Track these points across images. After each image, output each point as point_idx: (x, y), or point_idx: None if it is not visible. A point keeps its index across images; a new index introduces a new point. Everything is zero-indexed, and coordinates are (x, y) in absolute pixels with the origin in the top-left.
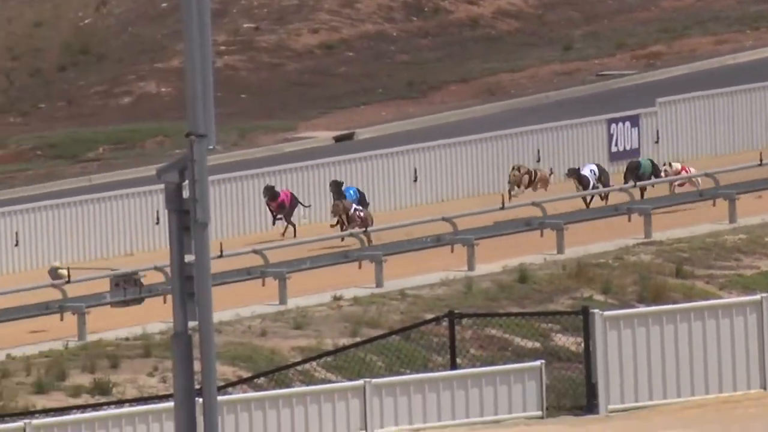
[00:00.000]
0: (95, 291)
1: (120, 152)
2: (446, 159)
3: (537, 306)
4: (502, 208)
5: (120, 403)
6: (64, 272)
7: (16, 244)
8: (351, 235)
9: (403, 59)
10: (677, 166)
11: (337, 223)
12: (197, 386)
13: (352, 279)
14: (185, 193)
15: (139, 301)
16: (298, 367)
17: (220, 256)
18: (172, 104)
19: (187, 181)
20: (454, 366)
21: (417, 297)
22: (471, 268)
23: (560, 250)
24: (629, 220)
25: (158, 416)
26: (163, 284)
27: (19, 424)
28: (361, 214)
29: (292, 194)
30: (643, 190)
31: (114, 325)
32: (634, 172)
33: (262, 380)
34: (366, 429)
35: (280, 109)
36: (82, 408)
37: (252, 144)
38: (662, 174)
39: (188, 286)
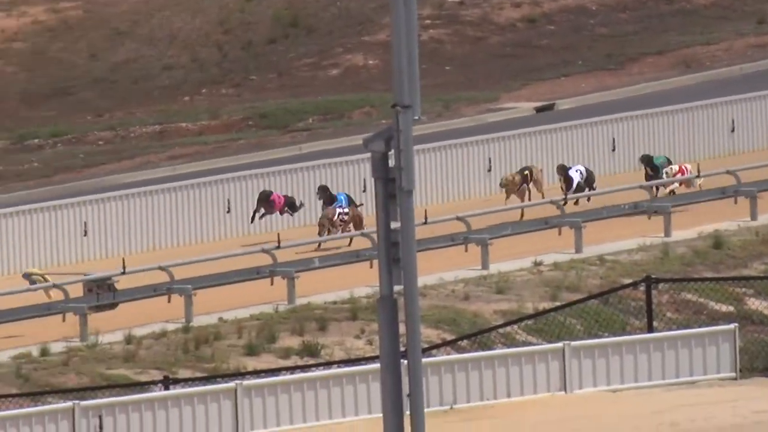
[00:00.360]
0: (303, 257)
1: (328, 122)
2: (643, 129)
3: (731, 271)
4: (698, 176)
5: (328, 364)
6: (39, 278)
7: (228, 211)
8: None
9: (602, 32)
10: (675, 167)
11: (322, 232)
12: (402, 348)
13: (552, 245)
14: (391, 162)
15: (113, 306)
16: (500, 330)
17: (425, 222)
18: (379, 76)
19: (392, 150)
20: (650, 329)
21: (615, 262)
22: (667, 234)
23: (753, 217)
24: None
25: (365, 377)
26: (370, 249)
27: (231, 384)
28: (345, 217)
29: (285, 197)
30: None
31: (322, 289)
32: (649, 166)
33: (465, 342)
34: (565, 389)
35: (483, 80)
36: (292, 369)
37: (456, 114)
38: (663, 175)
39: (394, 251)
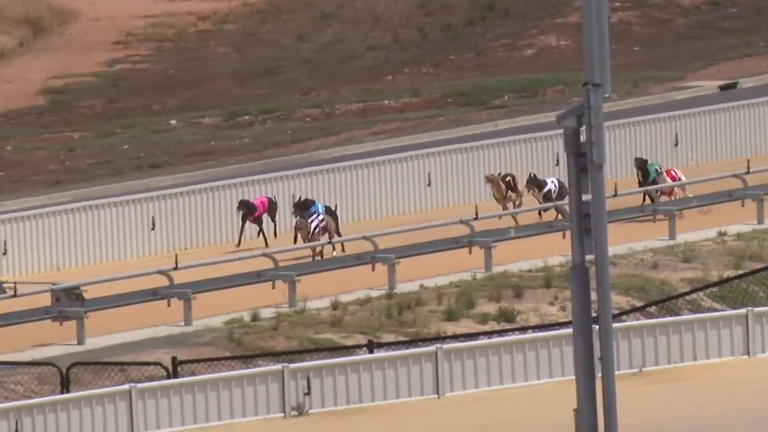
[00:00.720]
0: (499, 226)
1: (523, 100)
2: None
3: None
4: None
5: (523, 329)
6: (9, 285)
7: (429, 185)
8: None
9: None
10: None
11: (304, 239)
12: (594, 314)
13: (736, 216)
14: (583, 138)
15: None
16: (687, 297)
17: (615, 195)
18: (571, 56)
19: (584, 126)
20: None
21: None
22: None
23: None
24: None
25: (558, 342)
26: (562, 221)
27: (432, 348)
28: (322, 224)
29: (269, 200)
30: (649, 195)
31: (518, 258)
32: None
33: (653, 309)
34: (748, 353)
35: (669, 60)
36: (489, 334)
37: (643, 92)
38: (658, 181)
39: (586, 222)
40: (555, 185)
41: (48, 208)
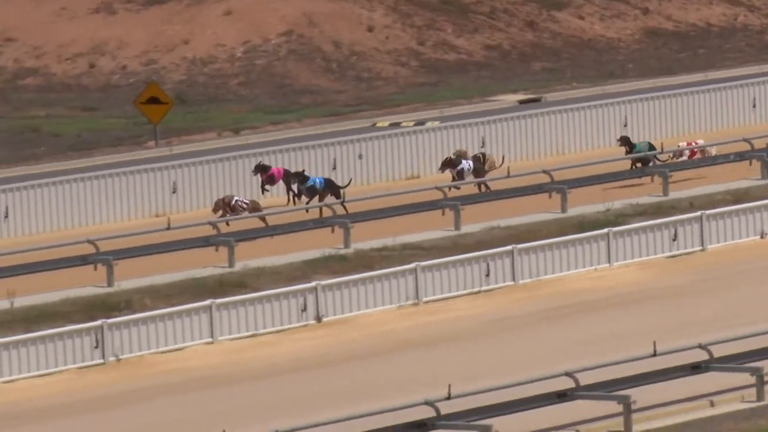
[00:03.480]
0: None
1: None
2: None
3: None
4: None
5: None
6: None
7: None
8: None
9: None
10: (683, 143)
11: (223, 214)
12: None
13: None
14: None
15: None
16: None
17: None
18: None
19: None
20: None
21: None
22: None
23: None
24: None
25: None
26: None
27: None
28: (245, 204)
29: (285, 171)
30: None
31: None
32: (626, 145)
33: None
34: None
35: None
36: None
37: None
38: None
39: None
40: (470, 165)
41: None
